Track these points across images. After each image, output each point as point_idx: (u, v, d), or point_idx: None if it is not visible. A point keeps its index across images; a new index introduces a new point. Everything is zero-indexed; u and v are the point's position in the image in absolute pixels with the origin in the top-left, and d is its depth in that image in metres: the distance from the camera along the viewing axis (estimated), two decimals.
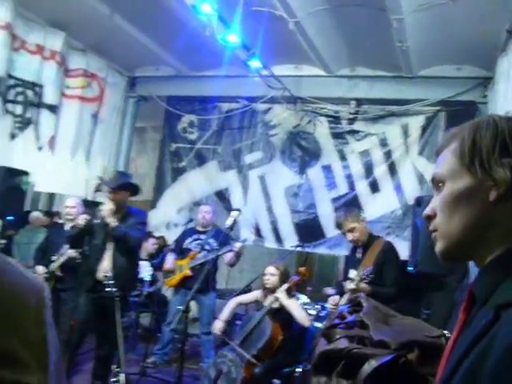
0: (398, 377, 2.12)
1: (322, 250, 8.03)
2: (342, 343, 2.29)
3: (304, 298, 6.43)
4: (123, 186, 5.38)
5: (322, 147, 8.03)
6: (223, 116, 8.66)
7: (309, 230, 7.95)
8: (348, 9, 6.05)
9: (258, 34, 6.32)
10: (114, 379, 3.83)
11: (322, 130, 8.02)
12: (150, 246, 8.58)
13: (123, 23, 7.02)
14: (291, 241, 7.94)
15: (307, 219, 8.02)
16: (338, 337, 2.34)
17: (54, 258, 6.26)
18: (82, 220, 5.55)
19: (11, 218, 7.47)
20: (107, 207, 5.23)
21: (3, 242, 9.13)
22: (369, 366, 2.12)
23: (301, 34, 6.52)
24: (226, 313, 5.66)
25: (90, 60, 8.06)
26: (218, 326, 5.58)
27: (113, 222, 5.19)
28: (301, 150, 8.19)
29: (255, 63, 6.92)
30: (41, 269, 6.35)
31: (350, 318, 2.47)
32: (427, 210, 1.15)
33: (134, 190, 5.49)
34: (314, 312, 6.08)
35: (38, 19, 7.22)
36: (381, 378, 2.09)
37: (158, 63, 8.43)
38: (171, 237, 8.15)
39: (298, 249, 7.44)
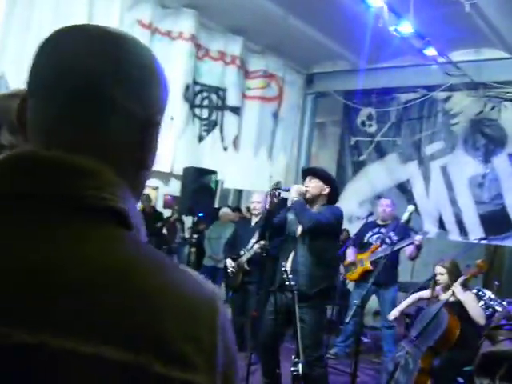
0: None
1: (510, 242, 7.59)
2: (507, 345, 2.21)
3: (489, 294, 6.14)
4: (316, 170, 4.88)
5: (509, 134, 7.59)
6: (401, 107, 8.53)
7: (496, 221, 7.56)
8: None
9: (432, 21, 6.15)
10: (293, 368, 3.95)
11: (507, 116, 7.57)
12: None
13: (297, 23, 7.21)
14: (476, 233, 7.61)
15: (494, 210, 7.63)
16: (502, 338, 2.25)
17: (242, 252, 6.58)
18: (257, 210, 5.73)
19: (201, 214, 8.00)
20: (297, 186, 4.72)
21: (195, 236, 9.81)
22: None
23: (478, 15, 6.23)
24: (403, 304, 5.64)
25: (268, 61, 8.39)
26: (393, 313, 5.59)
27: (296, 197, 4.60)
28: (485, 138, 7.81)
29: (431, 51, 6.74)
30: (230, 262, 6.72)
31: None
32: None
33: (331, 183, 4.75)
34: (499, 308, 5.79)
35: (219, 27, 7.68)
36: None
37: (334, 59, 8.52)
38: (354, 230, 8.19)
39: (483, 242, 7.11)
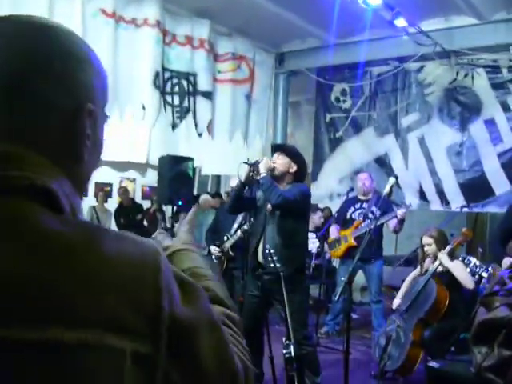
0: None
1: (491, 208, 7.61)
2: (503, 311, 2.16)
3: (474, 260, 6.14)
4: (284, 147, 4.92)
5: (483, 100, 7.56)
6: (375, 80, 8.48)
7: (476, 189, 7.56)
8: None
9: None
10: (285, 351, 3.90)
11: (480, 83, 7.54)
12: (317, 219, 8.64)
13: (263, 1, 7.08)
14: (458, 202, 7.61)
15: (473, 178, 7.63)
16: (497, 305, 2.21)
17: (225, 238, 6.51)
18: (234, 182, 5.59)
19: (181, 202, 7.91)
20: (265, 161, 4.54)
21: (176, 225, 9.73)
22: None
23: None
24: (403, 289, 5.57)
25: (237, 43, 8.27)
26: (395, 303, 5.50)
27: (264, 172, 4.45)
28: (460, 106, 7.78)
29: (401, 22, 6.68)
30: (214, 249, 6.65)
31: (510, 284, 2.32)
32: None
33: (299, 161, 4.67)
34: (485, 275, 5.79)
35: (184, 11, 7.54)
36: None
37: (303, 36, 8.41)
38: (335, 207, 8.16)
39: (465, 210, 7.12)
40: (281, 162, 4.59)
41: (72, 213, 0.76)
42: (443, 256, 5.12)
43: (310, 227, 7.70)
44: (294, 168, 4.61)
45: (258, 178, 4.50)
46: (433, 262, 5.25)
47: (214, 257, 6.65)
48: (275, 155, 4.65)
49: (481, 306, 2.33)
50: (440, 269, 5.13)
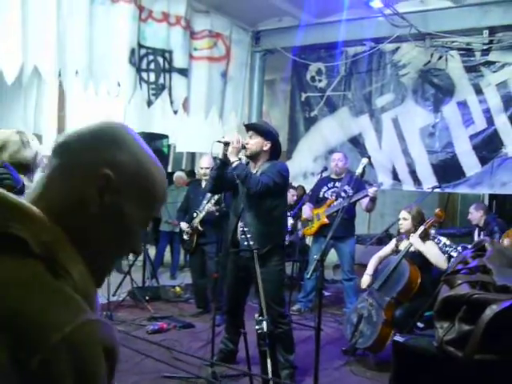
0: None
1: (462, 189, 7.76)
2: (464, 289, 2.25)
3: (444, 240, 6.27)
4: (256, 126, 4.76)
5: (456, 83, 7.64)
6: (350, 61, 8.51)
7: (447, 169, 7.69)
8: None
9: None
10: (258, 327, 3.97)
11: (454, 65, 7.62)
12: (289, 196, 8.70)
13: None
14: (430, 182, 7.73)
15: (445, 159, 7.75)
16: (459, 282, 2.29)
17: (195, 214, 6.55)
18: (207, 175, 5.59)
19: None
20: (234, 144, 4.45)
21: None
22: (490, 311, 2.08)
23: None
24: (370, 268, 5.64)
25: (214, 20, 8.22)
26: (366, 281, 5.57)
27: (235, 159, 4.44)
28: (433, 88, 7.86)
29: (377, 3, 6.72)
30: (184, 225, 6.68)
31: (472, 262, 2.40)
32: None
33: (272, 138, 4.61)
34: (454, 254, 5.92)
35: None
36: (503, 323, 2.04)
37: (280, 14, 8.39)
38: (309, 186, 8.22)
39: (437, 190, 7.24)
40: (253, 141, 4.56)
41: (49, 258, 0.86)
42: (415, 239, 5.21)
43: None
44: (267, 146, 4.59)
45: (231, 167, 4.45)
46: (406, 239, 5.36)
47: (184, 234, 6.68)
48: (248, 135, 4.61)
49: (444, 283, 2.42)
50: (412, 249, 5.24)
